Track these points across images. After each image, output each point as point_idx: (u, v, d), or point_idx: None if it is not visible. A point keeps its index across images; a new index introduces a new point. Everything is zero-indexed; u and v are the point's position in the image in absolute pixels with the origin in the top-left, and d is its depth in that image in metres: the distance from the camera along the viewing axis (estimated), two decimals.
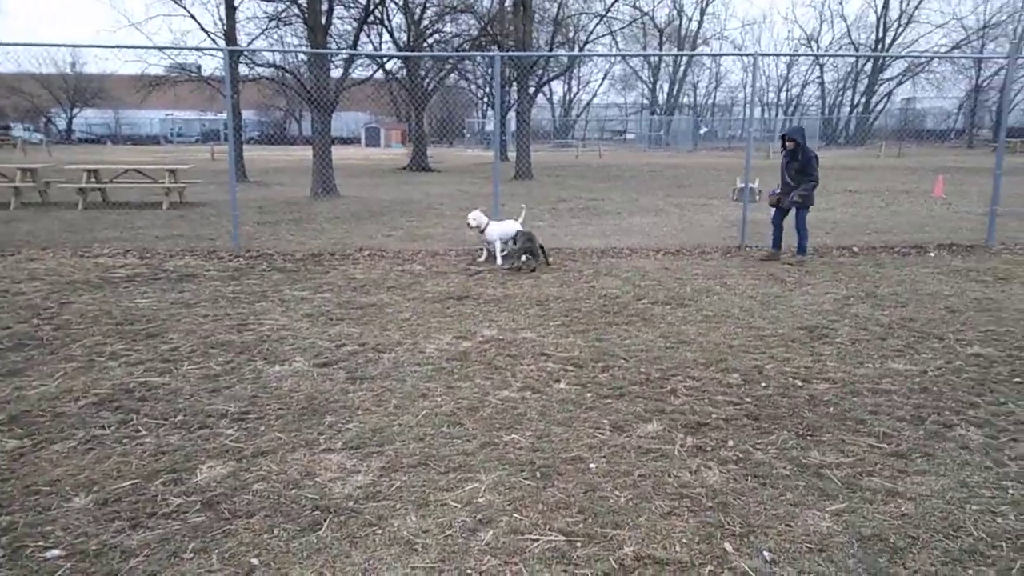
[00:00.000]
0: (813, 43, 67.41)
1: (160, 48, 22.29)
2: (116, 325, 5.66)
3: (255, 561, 2.59)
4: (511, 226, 8.46)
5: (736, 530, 2.79)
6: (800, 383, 4.45)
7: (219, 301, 6.51)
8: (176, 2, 21.15)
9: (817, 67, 66.27)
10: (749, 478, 3.21)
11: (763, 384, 4.42)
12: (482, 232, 8.39)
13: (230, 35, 20.48)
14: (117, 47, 21.77)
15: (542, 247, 8.19)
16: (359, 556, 2.63)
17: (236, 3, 20.48)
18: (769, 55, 71.43)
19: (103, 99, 57.39)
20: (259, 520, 2.86)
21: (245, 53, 19.96)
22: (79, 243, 9.47)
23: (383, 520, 2.86)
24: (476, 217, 8.35)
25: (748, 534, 2.76)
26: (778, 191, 8.61)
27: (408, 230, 11.15)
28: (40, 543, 2.70)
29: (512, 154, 26.63)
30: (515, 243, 8.20)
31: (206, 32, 21.41)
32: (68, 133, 59.35)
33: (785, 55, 79.72)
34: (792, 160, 8.36)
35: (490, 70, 28.16)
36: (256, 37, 21.47)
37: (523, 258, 7.99)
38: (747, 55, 30.12)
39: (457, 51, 26.08)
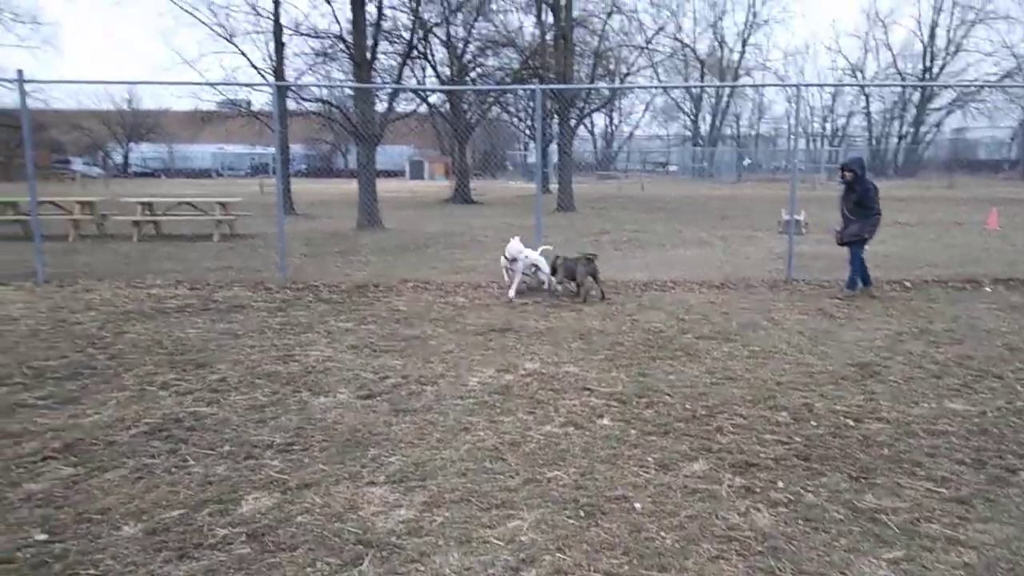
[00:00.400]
0: (858, 73, 66.60)
1: (212, 84, 23.12)
2: (167, 355, 5.79)
3: None
4: (534, 256, 8.56)
5: None
6: (852, 422, 4.31)
7: (266, 332, 6.62)
8: (228, 40, 21.96)
9: (863, 97, 65.38)
10: (800, 522, 3.11)
11: (813, 423, 4.31)
12: (513, 262, 8.45)
13: (279, 71, 21.13)
14: (171, 84, 22.60)
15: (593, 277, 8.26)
16: None
17: (284, 40, 21.18)
18: (812, 85, 70.70)
19: (158, 134, 59.68)
20: (303, 553, 2.87)
21: (293, 88, 20.57)
22: (133, 274, 9.75)
23: (425, 556, 2.84)
24: (518, 249, 8.36)
25: None
26: (838, 228, 8.44)
27: (451, 262, 11.24)
28: (91, 571, 2.74)
29: (554, 186, 26.75)
30: (536, 270, 8.44)
31: (256, 68, 22.12)
32: (124, 167, 61.61)
33: (829, 85, 78.86)
34: (849, 192, 8.19)
35: (532, 103, 28.43)
36: (304, 73, 22.15)
37: (586, 281, 8.13)
38: (790, 86, 29.87)
39: (499, 84, 26.46)
